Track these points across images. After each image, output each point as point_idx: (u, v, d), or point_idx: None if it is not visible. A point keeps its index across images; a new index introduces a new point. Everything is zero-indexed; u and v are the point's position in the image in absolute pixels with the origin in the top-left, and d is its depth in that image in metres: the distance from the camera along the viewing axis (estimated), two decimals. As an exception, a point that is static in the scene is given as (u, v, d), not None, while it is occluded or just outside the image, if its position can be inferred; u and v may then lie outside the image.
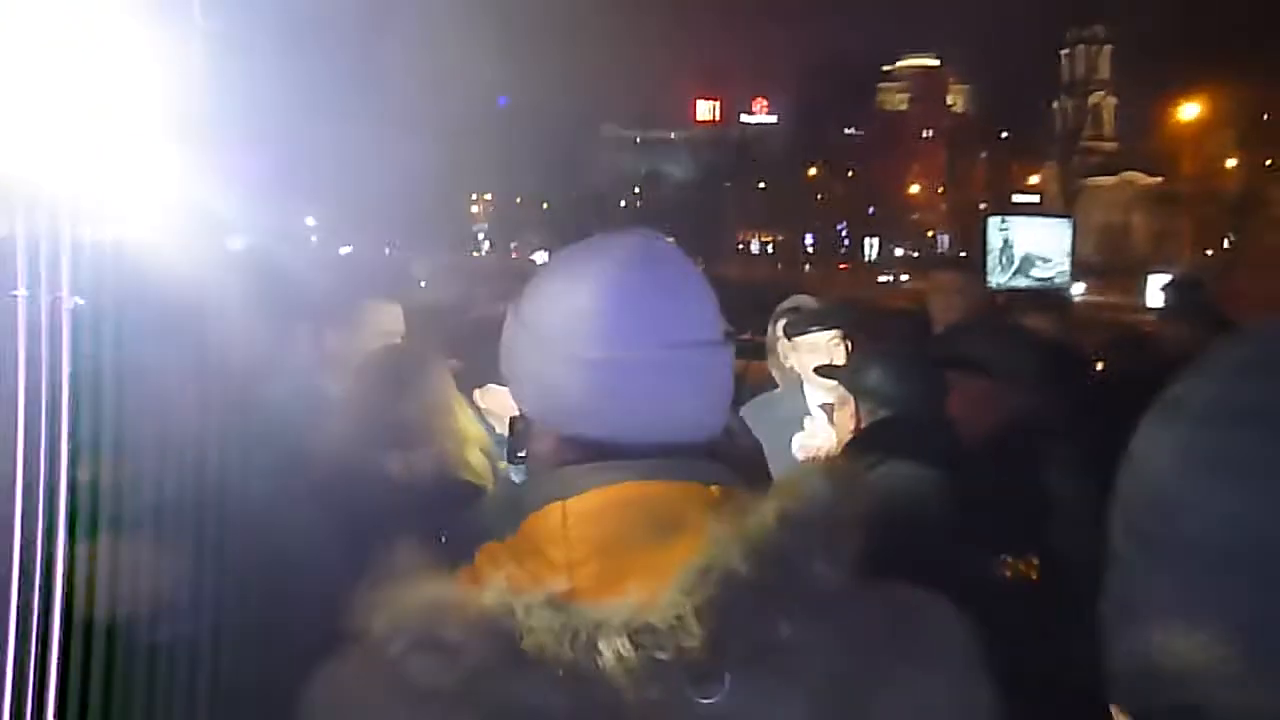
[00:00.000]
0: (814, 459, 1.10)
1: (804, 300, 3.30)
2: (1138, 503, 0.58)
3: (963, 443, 2.10)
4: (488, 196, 73.20)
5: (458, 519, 1.74)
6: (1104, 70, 48.69)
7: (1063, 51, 46.53)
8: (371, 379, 2.15)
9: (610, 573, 0.80)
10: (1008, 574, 2.14)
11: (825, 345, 2.95)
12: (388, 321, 2.85)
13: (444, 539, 0.95)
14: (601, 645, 0.76)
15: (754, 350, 3.29)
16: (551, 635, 0.77)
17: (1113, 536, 0.60)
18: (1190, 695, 0.54)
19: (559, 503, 0.86)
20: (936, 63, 72.88)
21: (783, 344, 3.15)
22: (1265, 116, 31.77)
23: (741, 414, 3.08)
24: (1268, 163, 32.26)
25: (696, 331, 0.91)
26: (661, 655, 0.76)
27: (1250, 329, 0.59)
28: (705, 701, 0.78)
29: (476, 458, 2.15)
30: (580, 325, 0.90)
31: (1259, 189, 32.62)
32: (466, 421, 2.18)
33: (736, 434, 1.34)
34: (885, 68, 72.92)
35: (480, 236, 71.35)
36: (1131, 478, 0.59)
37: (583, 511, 0.86)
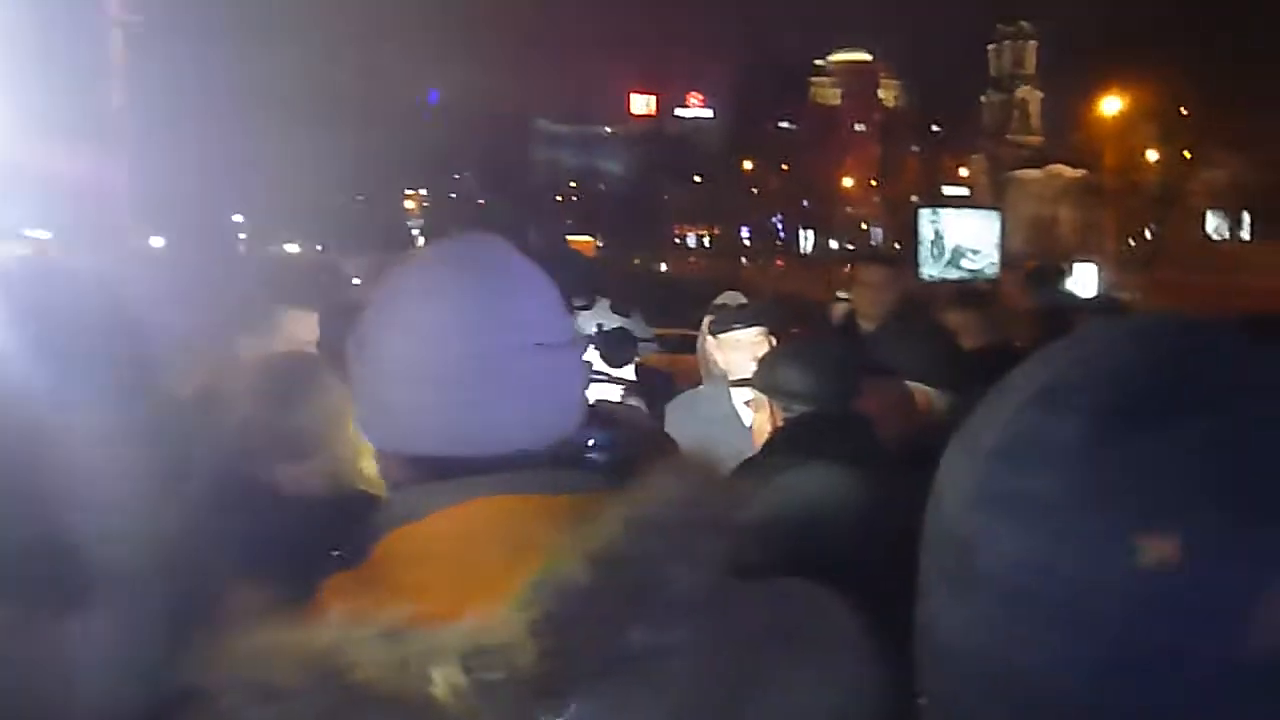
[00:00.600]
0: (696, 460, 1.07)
1: (736, 296, 3.26)
2: (939, 537, 0.57)
3: (880, 444, 2.07)
4: (422, 192, 72.59)
5: (352, 533, 1.67)
6: (1029, 65, 49.89)
7: (989, 46, 47.56)
8: (258, 388, 2.02)
9: (456, 596, 0.77)
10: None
11: (749, 343, 2.91)
12: (302, 330, 2.74)
13: (339, 555, 0.90)
14: (434, 673, 0.73)
15: (683, 345, 3.27)
16: (381, 669, 0.74)
17: (922, 569, 0.58)
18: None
19: (405, 526, 0.85)
20: (868, 57, 73.98)
21: (710, 341, 3.11)
22: (1183, 111, 32.79)
23: (667, 410, 3.04)
24: (1186, 155, 33.33)
25: (527, 337, 0.89)
26: (494, 677, 0.73)
27: (1044, 354, 0.56)
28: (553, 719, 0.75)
29: (371, 467, 2.07)
30: (402, 340, 0.89)
31: (1178, 181, 33.72)
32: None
33: (637, 429, 1.31)
34: (817, 62, 73.87)
35: (415, 233, 70.81)
36: (933, 511, 0.58)
37: (430, 534, 0.84)
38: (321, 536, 0.95)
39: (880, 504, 1.91)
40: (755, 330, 2.95)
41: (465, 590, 0.77)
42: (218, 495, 1.72)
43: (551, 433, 0.92)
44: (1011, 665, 0.52)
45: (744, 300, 3.22)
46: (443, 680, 0.73)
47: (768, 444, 2.15)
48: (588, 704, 0.75)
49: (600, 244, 62.89)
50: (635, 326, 2.52)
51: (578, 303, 1.34)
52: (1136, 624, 0.48)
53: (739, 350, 2.90)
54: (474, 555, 0.81)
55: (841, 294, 5.25)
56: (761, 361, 2.29)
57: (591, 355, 1.40)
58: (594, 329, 1.45)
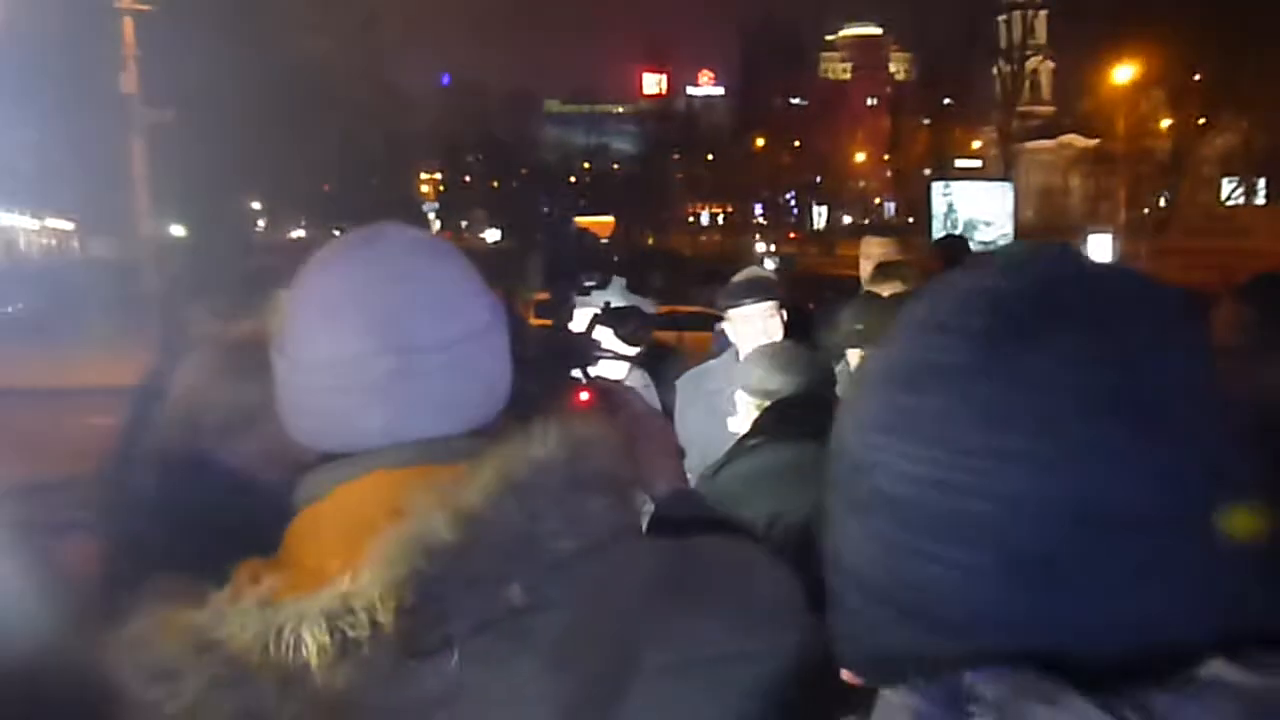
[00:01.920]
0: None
1: (756, 271, 3.30)
2: (842, 467, 0.61)
3: None
4: (436, 176, 72.38)
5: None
6: (1040, 35, 49.29)
7: (1000, 17, 46.98)
8: (214, 365, 1.93)
9: (343, 567, 0.78)
10: None
11: (760, 316, 2.99)
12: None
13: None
14: (305, 638, 0.75)
15: (694, 321, 3.34)
16: (256, 639, 0.76)
17: (829, 502, 0.63)
18: (885, 642, 0.59)
19: (309, 507, 0.88)
20: (878, 31, 73.17)
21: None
22: (1196, 76, 32.37)
23: (677, 386, 3.14)
24: (1200, 121, 32.93)
25: (427, 329, 0.88)
26: (358, 635, 0.74)
27: (930, 290, 0.62)
28: (426, 676, 0.76)
29: None
30: (299, 341, 0.89)
31: (1190, 148, 33.33)
32: None
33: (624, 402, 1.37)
34: (828, 37, 73.15)
35: (431, 216, 70.58)
36: (836, 445, 0.63)
37: (328, 511, 0.87)
38: (269, 516, 0.95)
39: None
40: (765, 305, 3.00)
41: (351, 561, 0.78)
42: (164, 471, 1.73)
43: (462, 420, 0.91)
44: (902, 577, 0.56)
45: (765, 275, 3.25)
46: (311, 643, 0.74)
47: (747, 433, 2.35)
48: (464, 660, 0.76)
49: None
50: (648, 305, 2.60)
51: (589, 281, 1.48)
52: (1025, 531, 0.52)
53: (749, 324, 2.97)
54: (362, 526, 0.80)
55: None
56: (740, 367, 2.47)
57: (602, 332, 1.53)
58: (603, 306, 1.56)
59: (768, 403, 2.31)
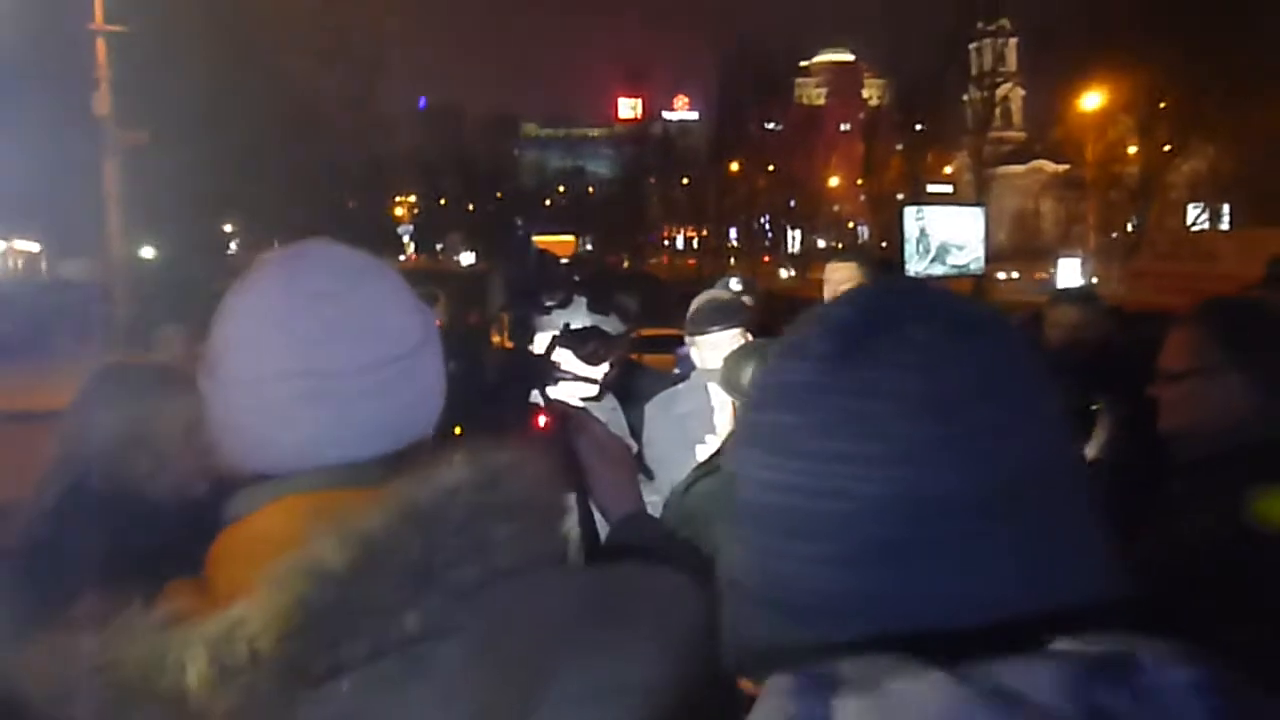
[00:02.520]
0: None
1: (718, 295, 3.32)
2: (724, 482, 0.71)
3: None
4: (411, 199, 72.33)
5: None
6: (1010, 62, 49.97)
7: (971, 45, 47.64)
8: (110, 393, 1.91)
9: (248, 591, 0.77)
10: None
11: (728, 343, 2.95)
12: None
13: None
14: (188, 665, 0.74)
15: (670, 346, 3.29)
16: (144, 665, 0.75)
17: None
18: (756, 637, 0.65)
19: (229, 528, 0.88)
20: (851, 57, 74.07)
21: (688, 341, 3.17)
22: (1163, 104, 32.89)
23: (645, 409, 3.12)
24: (1166, 148, 33.42)
25: (344, 352, 0.88)
26: (238, 663, 0.73)
27: (799, 318, 0.69)
28: (316, 704, 0.74)
29: None
30: (221, 351, 0.89)
31: (1158, 173, 33.80)
32: None
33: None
34: (802, 63, 73.88)
35: (405, 239, 70.44)
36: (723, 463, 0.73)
37: (243, 534, 0.87)
38: (181, 543, 0.95)
39: None
40: (732, 331, 3.00)
41: (251, 585, 0.77)
42: (75, 503, 1.72)
43: (385, 443, 0.90)
44: (763, 576, 0.63)
45: (729, 299, 3.26)
46: (194, 671, 0.73)
47: (725, 441, 2.26)
48: (357, 688, 0.75)
49: (589, 246, 62.72)
50: (610, 326, 2.58)
51: (549, 301, 1.46)
52: (864, 523, 0.59)
53: (717, 350, 2.93)
54: (269, 551, 0.78)
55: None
56: (725, 363, 2.36)
57: (562, 354, 1.51)
58: (562, 327, 1.54)
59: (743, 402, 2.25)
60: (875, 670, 0.55)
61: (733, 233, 64.74)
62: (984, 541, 0.58)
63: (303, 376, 0.86)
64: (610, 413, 2.83)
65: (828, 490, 0.60)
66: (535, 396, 1.39)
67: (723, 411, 2.37)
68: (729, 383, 2.30)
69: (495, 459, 0.86)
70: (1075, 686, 0.52)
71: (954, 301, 0.66)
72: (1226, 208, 33.15)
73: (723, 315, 3.06)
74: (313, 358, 0.87)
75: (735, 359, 2.34)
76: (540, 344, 1.45)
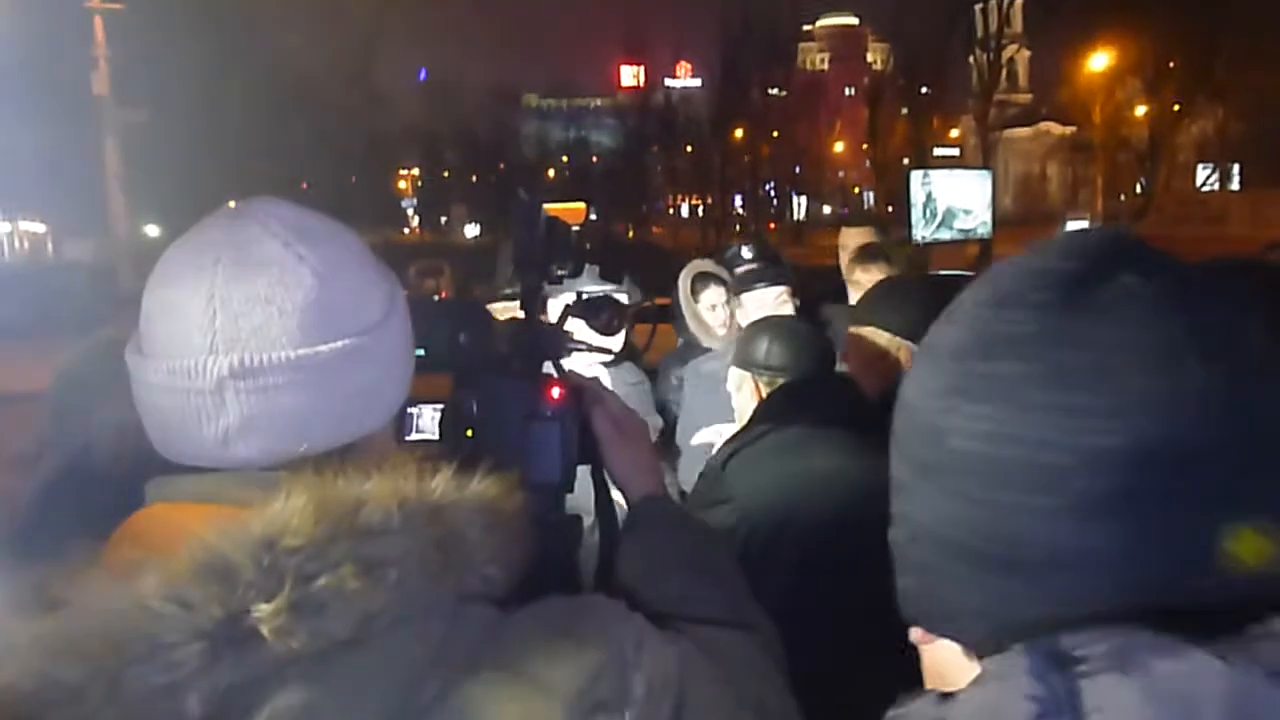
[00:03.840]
0: None
1: (706, 263, 3.28)
2: (910, 434, 0.67)
3: (865, 400, 2.10)
4: (414, 172, 72.04)
5: None
6: (1016, 23, 49.44)
7: (976, 6, 47.07)
8: (76, 378, 1.85)
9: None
10: None
11: (772, 301, 2.96)
12: None
13: None
14: (12, 664, 0.67)
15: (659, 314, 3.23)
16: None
17: (894, 470, 0.69)
18: (961, 595, 0.63)
19: (136, 512, 0.81)
20: (855, 21, 73.32)
21: (732, 301, 3.14)
22: (1171, 64, 32.53)
23: (685, 375, 3.09)
24: (1175, 108, 33.10)
25: (280, 335, 0.78)
26: (67, 671, 0.67)
27: (986, 275, 0.68)
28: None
29: None
30: (148, 323, 0.81)
31: (1167, 135, 33.50)
32: None
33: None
34: (806, 27, 73.16)
35: (410, 212, 70.24)
36: (901, 414, 0.68)
37: (121, 534, 0.80)
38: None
39: (872, 457, 1.97)
40: (778, 289, 3.00)
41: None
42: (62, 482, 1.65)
43: (325, 437, 0.81)
44: (980, 529, 0.62)
45: (712, 265, 3.24)
46: (19, 669, 0.66)
47: (754, 416, 2.17)
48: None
49: (594, 216, 62.37)
50: (629, 293, 2.51)
51: (560, 270, 1.42)
52: (1098, 475, 0.58)
53: (762, 309, 2.95)
54: (123, 562, 0.72)
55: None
56: (740, 340, 2.31)
57: (575, 324, 1.47)
58: (574, 296, 1.50)
59: (766, 379, 2.17)
60: (1128, 646, 0.52)
61: (737, 200, 64.42)
62: (1223, 495, 0.56)
63: (229, 354, 0.77)
64: (634, 386, 2.80)
65: (1054, 442, 0.58)
66: (548, 368, 1.36)
67: (740, 392, 2.27)
68: (744, 357, 2.24)
69: (370, 490, 0.75)
70: None
71: (1162, 254, 0.64)
72: (1236, 168, 32.86)
73: (769, 273, 3.05)
74: (244, 334, 0.77)
75: (751, 333, 2.29)
76: (552, 314, 1.41)
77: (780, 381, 2.15)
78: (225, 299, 0.77)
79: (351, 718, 0.71)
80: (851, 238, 4.00)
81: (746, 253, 3.23)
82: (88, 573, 0.70)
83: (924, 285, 2.91)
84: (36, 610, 0.69)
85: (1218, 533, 0.56)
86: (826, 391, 2.11)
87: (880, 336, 2.32)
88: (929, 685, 0.69)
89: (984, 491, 0.61)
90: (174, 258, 0.81)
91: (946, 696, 0.61)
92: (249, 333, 0.77)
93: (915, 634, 0.69)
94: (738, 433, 2.16)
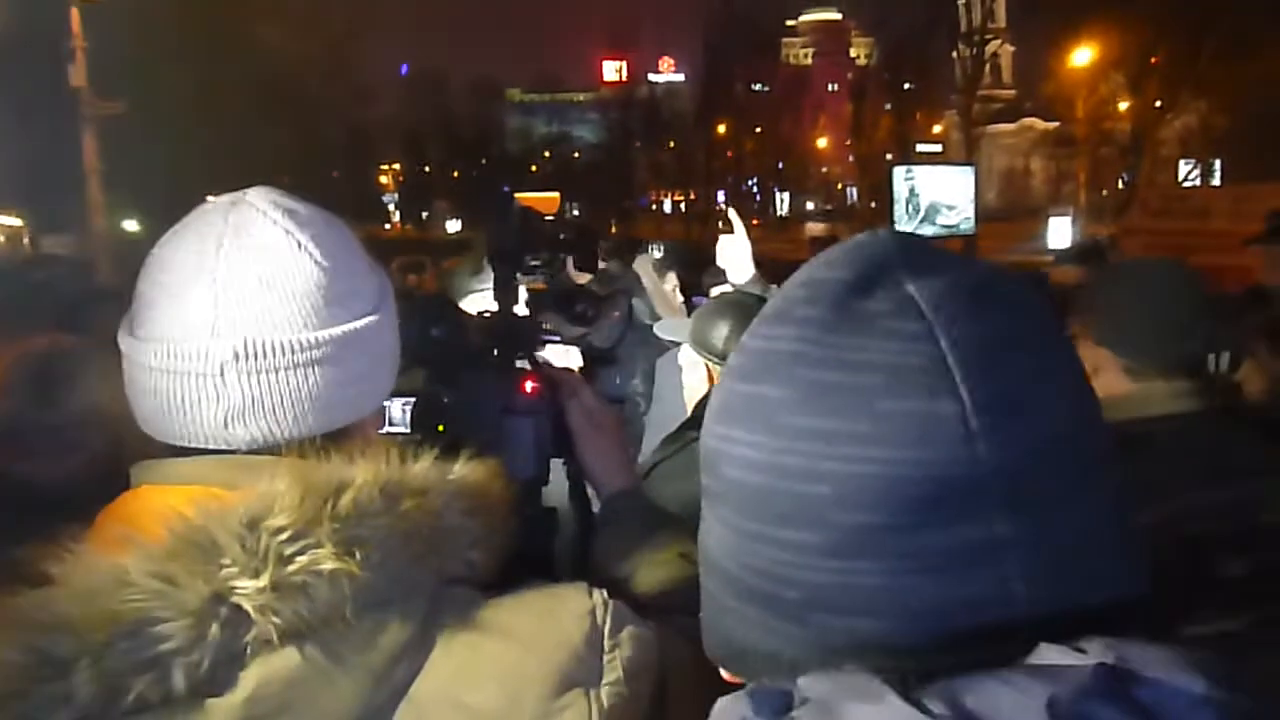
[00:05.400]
0: None
1: (661, 247, 3.41)
2: (702, 459, 0.62)
3: None
4: (395, 167, 71.76)
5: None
6: (1000, 18, 49.67)
7: (959, 1, 47.24)
8: (13, 381, 1.80)
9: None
10: None
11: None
12: None
13: None
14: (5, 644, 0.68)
15: None
16: None
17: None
18: (736, 630, 0.59)
19: (133, 490, 0.83)
20: (838, 16, 73.40)
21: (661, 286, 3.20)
22: (1154, 59, 32.71)
23: (658, 365, 3.10)
24: (1157, 104, 33.29)
25: (283, 323, 0.80)
26: (60, 654, 0.68)
27: (785, 284, 0.61)
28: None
29: None
30: (145, 307, 0.82)
31: (1150, 130, 33.70)
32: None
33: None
34: (789, 22, 73.22)
35: (391, 207, 69.98)
36: (700, 437, 0.63)
37: (107, 516, 0.81)
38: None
39: None
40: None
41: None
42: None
43: (318, 423, 0.82)
44: (747, 562, 0.57)
45: (665, 251, 3.36)
46: (7, 643, 0.68)
47: (694, 411, 2.13)
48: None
49: (576, 211, 62.49)
50: (598, 285, 2.50)
51: (534, 261, 1.39)
52: (850, 509, 0.53)
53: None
54: (123, 531, 0.74)
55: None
56: (699, 316, 2.23)
57: (549, 316, 1.45)
58: (548, 287, 1.47)
59: (721, 367, 2.11)
60: (839, 691, 0.50)
61: (720, 196, 64.52)
62: (985, 532, 0.52)
63: (232, 337, 0.78)
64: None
65: (811, 472, 0.53)
66: (522, 361, 1.33)
67: (693, 372, 2.19)
68: (699, 340, 2.16)
69: (354, 475, 0.77)
70: (1054, 709, 0.46)
71: (956, 258, 0.58)
72: (1218, 163, 33.10)
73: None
74: (247, 318, 0.78)
75: (705, 315, 2.20)
76: (524, 306, 1.39)
77: None
78: (227, 283, 0.79)
79: (334, 694, 0.72)
80: (812, 232, 4.10)
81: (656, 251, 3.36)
82: (75, 550, 0.72)
83: None
84: (24, 586, 0.70)
85: (983, 569, 0.52)
86: None
87: None
88: None
89: (751, 523, 0.57)
90: (173, 243, 0.83)
91: None
92: (252, 316, 0.79)
93: (722, 671, 0.64)
94: (667, 436, 2.08)
